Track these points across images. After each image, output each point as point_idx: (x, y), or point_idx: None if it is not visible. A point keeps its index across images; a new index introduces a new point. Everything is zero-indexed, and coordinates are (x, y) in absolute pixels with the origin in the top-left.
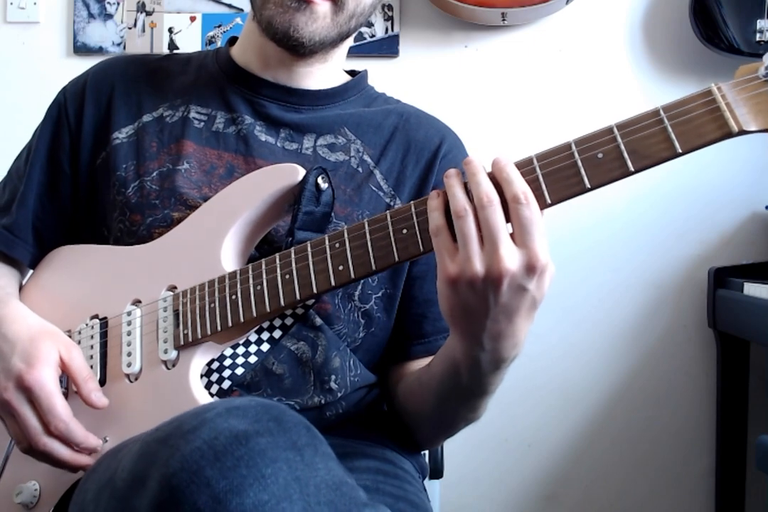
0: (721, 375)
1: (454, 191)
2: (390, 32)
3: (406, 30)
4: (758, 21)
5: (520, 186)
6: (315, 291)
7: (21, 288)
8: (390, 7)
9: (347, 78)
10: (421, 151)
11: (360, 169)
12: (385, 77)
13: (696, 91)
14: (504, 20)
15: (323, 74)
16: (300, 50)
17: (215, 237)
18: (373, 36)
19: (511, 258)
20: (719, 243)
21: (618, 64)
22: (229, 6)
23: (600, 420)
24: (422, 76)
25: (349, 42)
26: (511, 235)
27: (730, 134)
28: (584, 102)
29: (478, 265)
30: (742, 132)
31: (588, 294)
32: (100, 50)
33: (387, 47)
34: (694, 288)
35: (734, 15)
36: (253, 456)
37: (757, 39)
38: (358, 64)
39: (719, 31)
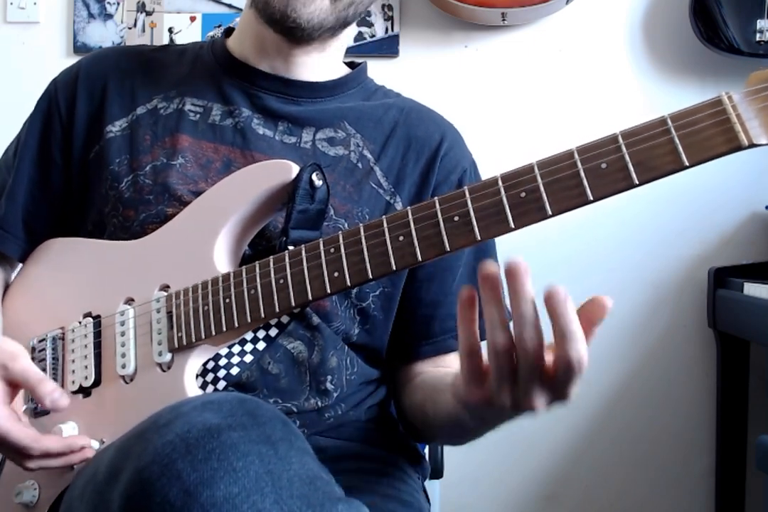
0: (721, 375)
1: (493, 321)
2: (390, 32)
3: (406, 30)
4: (758, 21)
5: (582, 350)
6: (310, 297)
7: (10, 283)
8: (390, 7)
9: (347, 70)
10: (422, 148)
11: (360, 165)
12: (385, 77)
13: (705, 99)
14: (504, 20)
15: (321, 65)
16: (297, 33)
17: (207, 236)
18: (373, 36)
19: (541, 399)
20: (719, 243)
21: (618, 64)
22: (229, 6)
23: (600, 420)
24: (422, 76)
25: (349, 35)
26: (546, 372)
27: (739, 147)
28: (584, 102)
29: (506, 399)
30: (753, 145)
31: (587, 293)
32: None
33: (387, 47)
34: (694, 288)
35: (734, 15)
36: (225, 450)
37: (757, 39)
38: None
39: (719, 31)
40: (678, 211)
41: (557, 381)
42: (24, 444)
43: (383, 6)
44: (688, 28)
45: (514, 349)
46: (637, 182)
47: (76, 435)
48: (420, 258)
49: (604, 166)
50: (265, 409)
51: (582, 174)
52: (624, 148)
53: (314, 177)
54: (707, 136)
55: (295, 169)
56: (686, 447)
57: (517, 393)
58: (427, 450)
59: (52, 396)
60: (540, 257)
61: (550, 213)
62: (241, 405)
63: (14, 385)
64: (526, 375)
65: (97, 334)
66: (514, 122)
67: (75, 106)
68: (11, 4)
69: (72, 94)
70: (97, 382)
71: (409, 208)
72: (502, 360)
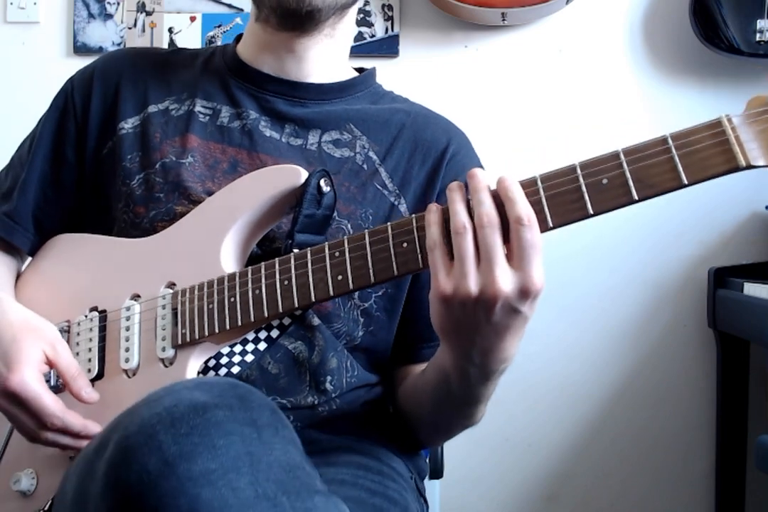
0: (721, 375)
1: (455, 207)
2: (390, 32)
3: (406, 30)
4: (758, 21)
5: (524, 207)
6: (313, 299)
7: (20, 275)
8: (390, 7)
9: (354, 74)
10: (428, 151)
11: (365, 166)
12: (385, 77)
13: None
14: (504, 20)
15: (330, 59)
16: (315, 16)
17: (215, 236)
18: (373, 36)
19: (505, 280)
20: (719, 243)
21: (618, 65)
22: (229, 6)
23: (600, 420)
24: (422, 76)
25: (352, 30)
26: (508, 255)
27: (737, 168)
28: (584, 102)
29: (473, 285)
30: (750, 167)
31: (587, 293)
32: (100, 50)
33: (387, 47)
34: (694, 288)
35: (734, 15)
36: (208, 427)
37: (757, 39)
38: (358, 64)
39: (719, 31)
40: (678, 211)
41: (517, 251)
42: (50, 411)
43: (383, 6)
44: (688, 28)
45: (474, 231)
46: (636, 198)
47: (92, 422)
48: (421, 266)
49: (605, 181)
50: (257, 396)
51: (584, 188)
52: (625, 165)
53: (322, 183)
54: (706, 155)
55: (304, 174)
56: (686, 447)
57: (483, 275)
58: None
59: (87, 389)
60: None
61: (551, 225)
62: (233, 389)
63: (49, 364)
64: (487, 252)
65: (102, 328)
66: (514, 122)
67: (90, 104)
68: (11, 4)
69: (87, 92)
70: (99, 375)
71: (413, 215)
72: (464, 239)
